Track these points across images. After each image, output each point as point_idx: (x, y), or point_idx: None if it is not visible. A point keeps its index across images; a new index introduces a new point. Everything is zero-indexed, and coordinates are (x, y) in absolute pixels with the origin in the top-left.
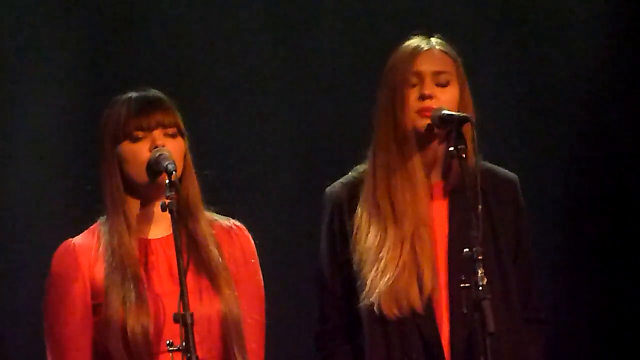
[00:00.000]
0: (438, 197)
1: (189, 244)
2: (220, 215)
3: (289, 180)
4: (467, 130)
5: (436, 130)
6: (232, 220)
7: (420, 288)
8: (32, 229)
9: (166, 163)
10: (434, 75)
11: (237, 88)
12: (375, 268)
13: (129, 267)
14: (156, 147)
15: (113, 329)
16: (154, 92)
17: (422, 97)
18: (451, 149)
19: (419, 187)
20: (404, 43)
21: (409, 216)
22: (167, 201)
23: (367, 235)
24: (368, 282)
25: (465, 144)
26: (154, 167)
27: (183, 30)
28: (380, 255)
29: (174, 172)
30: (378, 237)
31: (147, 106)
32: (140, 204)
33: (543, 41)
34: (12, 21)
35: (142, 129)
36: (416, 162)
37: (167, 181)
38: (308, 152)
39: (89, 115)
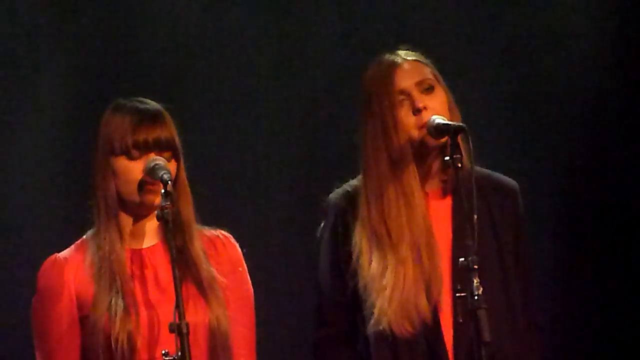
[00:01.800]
0: (439, 203)
1: (179, 253)
2: (204, 226)
3: (283, 188)
4: (462, 139)
5: (433, 141)
6: (218, 230)
7: (428, 299)
8: (23, 243)
9: (161, 173)
10: (417, 86)
11: (232, 97)
12: (381, 296)
13: (118, 276)
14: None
15: (98, 338)
16: (155, 108)
17: (418, 111)
18: (447, 158)
19: (415, 201)
20: (372, 66)
21: (407, 239)
22: (162, 210)
23: (369, 263)
24: (376, 311)
25: (461, 153)
26: (150, 176)
27: (179, 41)
28: (384, 282)
29: (169, 182)
30: (380, 265)
31: (147, 123)
32: (132, 218)
33: (540, 48)
34: (9, 29)
35: (139, 148)
36: (412, 176)
37: (162, 191)
38: (302, 161)
39: (82, 127)
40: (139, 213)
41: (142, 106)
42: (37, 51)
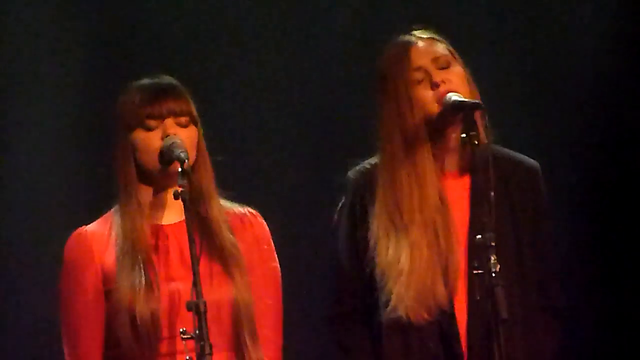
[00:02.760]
0: (457, 182)
1: (202, 230)
2: (234, 203)
3: (300, 167)
4: (479, 116)
5: (450, 117)
6: (246, 208)
7: (445, 283)
8: (47, 219)
9: (178, 152)
10: (434, 62)
11: (249, 78)
12: (398, 283)
13: (140, 253)
14: (168, 135)
15: (122, 315)
16: (167, 79)
17: (436, 85)
18: (463, 135)
19: (428, 182)
20: (388, 47)
21: (420, 221)
22: (179, 189)
23: (386, 249)
24: (394, 297)
25: (477, 131)
26: (166, 156)
27: (192, 25)
28: (400, 267)
29: (186, 161)
30: (396, 250)
31: (160, 94)
32: (153, 191)
33: (556, 26)
34: (14, 25)
35: (154, 117)
36: (426, 156)
37: (179, 169)
38: (318, 140)
39: (101, 106)
40: (162, 184)
41: (152, 81)
42: (42, 47)
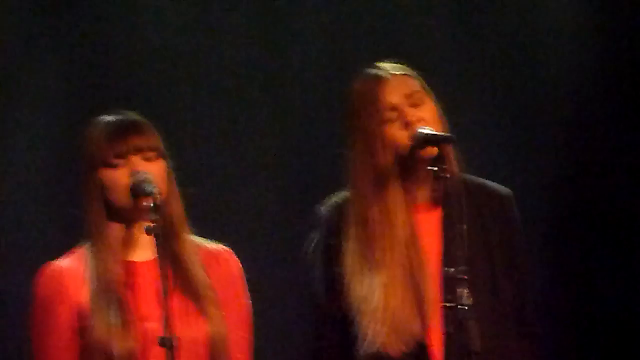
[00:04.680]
0: (429, 216)
1: (174, 266)
2: (206, 240)
3: (272, 199)
4: (450, 149)
5: (421, 151)
6: (219, 245)
7: (421, 317)
8: (15, 250)
9: (150, 187)
10: (407, 99)
11: (220, 106)
12: (373, 318)
13: (113, 292)
14: (136, 172)
15: (97, 354)
16: (130, 115)
17: (409, 125)
18: (434, 168)
19: (399, 221)
20: (358, 81)
21: (394, 260)
22: (151, 225)
23: (360, 284)
24: (370, 332)
25: (448, 163)
26: (138, 191)
27: (169, 47)
28: (375, 304)
29: (157, 196)
30: (370, 286)
31: (123, 132)
32: (125, 227)
33: (528, 56)
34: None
35: (119, 156)
36: (397, 194)
37: (151, 204)
38: (291, 171)
39: (73, 137)
40: (133, 220)
41: (116, 117)
42: (20, 68)
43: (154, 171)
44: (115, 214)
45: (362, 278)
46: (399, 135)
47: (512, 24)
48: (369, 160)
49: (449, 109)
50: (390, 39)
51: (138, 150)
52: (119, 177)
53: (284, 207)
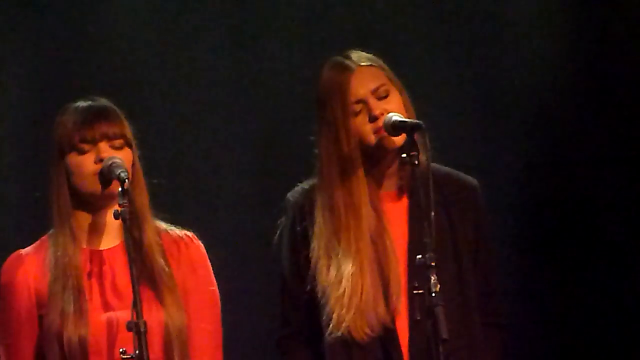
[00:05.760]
0: (395, 205)
1: (135, 253)
2: (171, 225)
3: (242, 187)
4: (419, 136)
5: (390, 142)
6: (183, 231)
7: (387, 304)
8: None
9: (119, 171)
10: (373, 92)
11: (191, 95)
12: (339, 304)
13: (71, 278)
14: (102, 159)
15: (51, 340)
16: (101, 102)
17: (374, 118)
18: (404, 155)
19: (363, 213)
20: (326, 71)
21: (359, 249)
22: (119, 209)
23: (327, 268)
24: (335, 317)
25: (418, 150)
26: (107, 176)
27: (137, 40)
28: (341, 290)
29: (126, 180)
30: (337, 272)
31: (92, 118)
32: (91, 215)
33: (498, 46)
34: None
35: (86, 141)
36: (361, 186)
37: (119, 189)
38: (262, 158)
39: (41, 124)
40: (100, 205)
41: (86, 103)
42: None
43: (121, 158)
44: (81, 201)
45: (329, 263)
46: (364, 129)
47: (482, 12)
48: (334, 149)
49: (419, 97)
50: (362, 28)
51: (105, 137)
52: (86, 163)
53: (259, 195)
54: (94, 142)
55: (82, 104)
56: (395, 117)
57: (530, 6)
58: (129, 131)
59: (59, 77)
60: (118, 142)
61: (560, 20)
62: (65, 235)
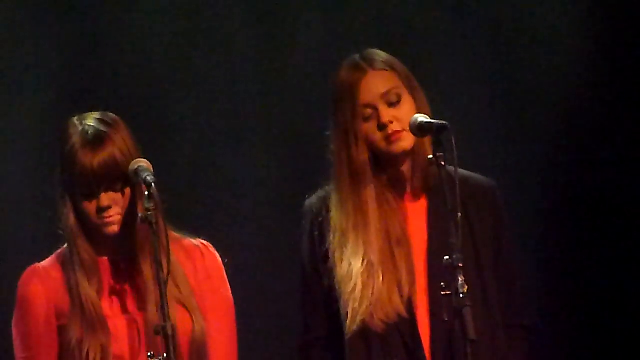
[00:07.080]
0: (414, 203)
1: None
2: (186, 235)
3: (263, 196)
4: (447, 136)
5: (415, 139)
6: (199, 240)
7: (401, 295)
8: (7, 250)
9: (145, 175)
10: (383, 98)
11: (210, 103)
12: (353, 297)
13: (91, 288)
14: (102, 209)
15: (73, 352)
16: (101, 137)
17: (383, 126)
18: (430, 156)
19: (370, 218)
20: (340, 71)
21: (373, 248)
22: (145, 213)
23: (342, 262)
24: (350, 310)
25: (444, 152)
26: (133, 179)
27: (163, 46)
28: (356, 284)
29: (152, 184)
30: (353, 268)
31: (95, 170)
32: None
33: (522, 44)
34: None
35: (88, 196)
36: (369, 191)
37: (146, 192)
38: (284, 167)
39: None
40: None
41: (89, 139)
42: (22, 55)
43: (120, 203)
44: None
45: (344, 257)
46: (374, 136)
47: (506, 13)
48: (344, 151)
49: (440, 99)
50: (385, 29)
51: (107, 191)
52: (88, 209)
53: (277, 203)
54: (95, 195)
55: (84, 139)
56: (422, 118)
57: (556, 6)
58: (128, 165)
59: (80, 82)
60: (118, 187)
61: (586, 18)
62: (79, 254)
